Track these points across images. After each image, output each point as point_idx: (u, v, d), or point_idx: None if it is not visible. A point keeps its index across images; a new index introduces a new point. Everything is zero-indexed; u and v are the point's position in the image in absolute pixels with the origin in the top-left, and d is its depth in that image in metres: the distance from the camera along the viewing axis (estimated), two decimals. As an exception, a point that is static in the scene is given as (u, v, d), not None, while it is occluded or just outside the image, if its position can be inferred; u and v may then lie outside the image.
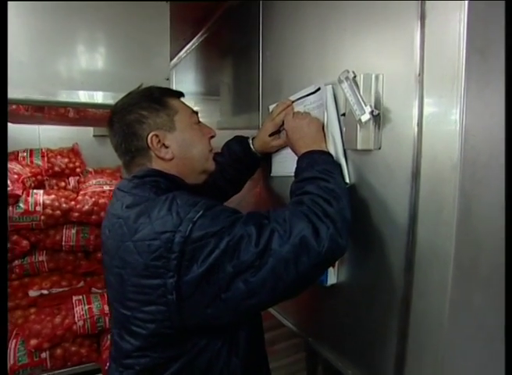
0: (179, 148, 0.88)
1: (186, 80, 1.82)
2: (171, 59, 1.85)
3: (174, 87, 2.07)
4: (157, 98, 0.90)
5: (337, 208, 0.73)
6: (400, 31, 0.72)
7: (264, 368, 0.93)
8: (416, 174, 0.69)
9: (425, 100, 0.67)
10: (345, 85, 0.76)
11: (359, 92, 0.75)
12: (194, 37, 1.53)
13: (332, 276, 0.87)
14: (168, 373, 0.75)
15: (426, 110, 0.68)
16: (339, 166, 0.84)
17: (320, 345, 0.98)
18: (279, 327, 1.17)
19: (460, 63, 0.61)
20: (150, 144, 0.85)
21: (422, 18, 0.67)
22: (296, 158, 0.88)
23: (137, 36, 1.15)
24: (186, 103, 0.95)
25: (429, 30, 0.66)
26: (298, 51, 1.01)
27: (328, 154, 0.86)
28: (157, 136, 0.85)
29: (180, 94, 0.97)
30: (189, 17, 1.45)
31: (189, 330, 0.73)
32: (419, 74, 0.68)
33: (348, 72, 0.76)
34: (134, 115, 0.87)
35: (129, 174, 0.89)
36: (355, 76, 0.76)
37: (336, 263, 0.87)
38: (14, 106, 1.78)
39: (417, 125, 0.69)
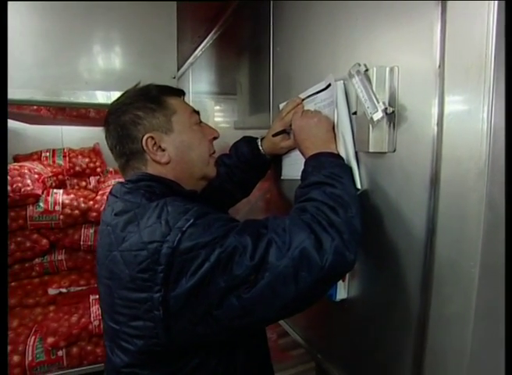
0: (176, 151, 0.82)
1: (202, 79, 1.78)
2: (187, 58, 1.81)
3: (191, 87, 2.04)
4: (154, 97, 0.84)
5: (344, 218, 0.65)
6: (417, 18, 0.62)
7: None
8: (435, 180, 0.61)
9: (446, 95, 0.58)
10: (356, 80, 0.68)
11: (371, 87, 0.66)
12: (208, 34, 1.48)
13: (342, 291, 0.79)
14: None
15: (447, 107, 0.58)
16: (350, 169, 0.76)
17: (329, 363, 0.90)
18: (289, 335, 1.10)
19: (489, 52, 0.52)
20: (145, 147, 0.80)
21: (443, 5, 0.58)
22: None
23: (146, 36, 1.12)
24: (191, 103, 0.90)
25: (451, 15, 0.57)
26: (309, 48, 0.93)
27: (338, 156, 0.77)
28: (152, 138, 0.80)
29: (180, 93, 0.91)
30: (201, 15, 1.40)
31: (179, 348, 0.67)
32: (439, 66, 0.59)
33: (359, 65, 0.68)
34: (129, 115, 0.81)
35: (124, 178, 0.85)
36: (367, 70, 0.67)
37: (347, 277, 0.79)
38: (35, 107, 1.81)
39: (437, 124, 0.60)
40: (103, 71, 1.24)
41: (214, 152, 0.90)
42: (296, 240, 0.61)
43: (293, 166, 1.00)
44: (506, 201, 0.54)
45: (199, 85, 1.87)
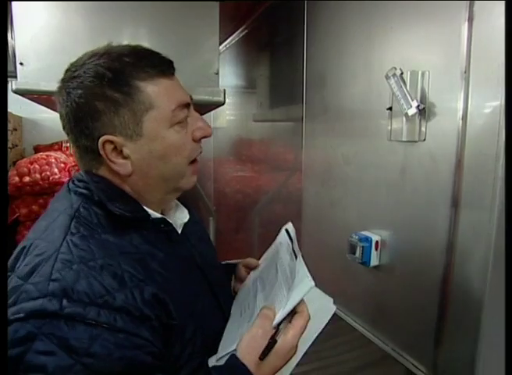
0: (141, 163, 0.63)
1: (223, 74, 1.90)
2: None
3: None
4: (121, 81, 0.60)
5: None
6: (446, 29, 0.77)
7: None
8: (459, 165, 0.75)
9: (470, 96, 0.73)
10: (392, 81, 0.82)
11: (406, 88, 0.80)
12: (234, 32, 1.60)
13: (375, 259, 0.94)
14: None
15: (470, 105, 0.73)
16: None
17: (359, 321, 1.05)
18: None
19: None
20: (101, 151, 0.61)
21: (470, 16, 0.72)
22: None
23: (188, 30, 1.23)
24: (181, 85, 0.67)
25: (477, 29, 0.71)
26: (343, 48, 1.07)
27: None
28: (111, 143, 0.61)
29: (170, 69, 0.65)
30: (230, 14, 1.52)
31: None
32: (465, 72, 0.73)
33: (395, 69, 0.82)
34: (83, 101, 0.59)
35: (80, 167, 0.68)
36: (402, 73, 0.81)
37: (379, 246, 0.94)
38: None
39: (462, 119, 0.74)
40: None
41: (196, 158, 0.69)
42: None
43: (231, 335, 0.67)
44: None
45: (220, 79, 1.98)
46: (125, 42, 1.35)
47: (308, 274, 0.61)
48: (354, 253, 0.96)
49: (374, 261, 0.94)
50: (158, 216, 0.67)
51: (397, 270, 0.92)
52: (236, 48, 1.75)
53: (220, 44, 1.84)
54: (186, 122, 0.66)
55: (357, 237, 0.95)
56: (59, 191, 0.68)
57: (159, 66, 0.63)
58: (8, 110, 2.75)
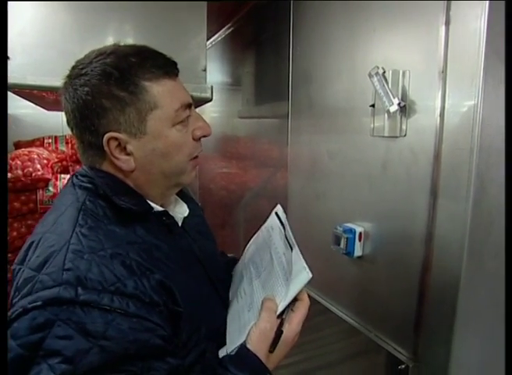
0: (144, 160, 0.65)
1: (209, 71, 1.92)
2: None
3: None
4: (127, 81, 0.61)
5: None
6: (425, 31, 0.81)
7: None
8: (437, 157, 0.80)
9: (447, 94, 0.78)
10: (375, 79, 0.87)
11: (388, 86, 0.85)
12: (220, 29, 1.62)
13: (359, 249, 0.99)
14: None
15: (447, 103, 0.78)
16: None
17: (343, 311, 1.10)
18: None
19: (480, 63, 0.71)
20: (105, 147, 0.63)
21: (447, 19, 0.77)
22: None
23: (175, 28, 1.25)
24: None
25: (453, 31, 0.76)
26: (328, 47, 1.11)
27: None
28: (116, 139, 0.63)
29: (174, 70, 0.67)
30: (216, 11, 1.54)
31: None
32: (442, 71, 0.78)
33: (378, 68, 0.86)
34: (89, 97, 0.61)
35: (82, 163, 0.71)
36: (384, 72, 0.86)
37: (362, 237, 0.98)
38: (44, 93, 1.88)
39: (440, 116, 0.79)
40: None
41: (197, 156, 0.72)
42: None
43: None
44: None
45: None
46: (110, 38, 1.36)
47: (305, 265, 0.64)
48: (339, 244, 1.00)
49: (357, 251, 0.99)
50: (160, 209, 0.70)
51: (379, 260, 0.97)
52: (222, 45, 1.78)
53: (206, 41, 1.86)
54: (188, 121, 0.68)
55: (341, 229, 1.00)
56: (64, 187, 0.71)
57: (164, 67, 0.65)
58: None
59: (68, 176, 2.27)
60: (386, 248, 0.95)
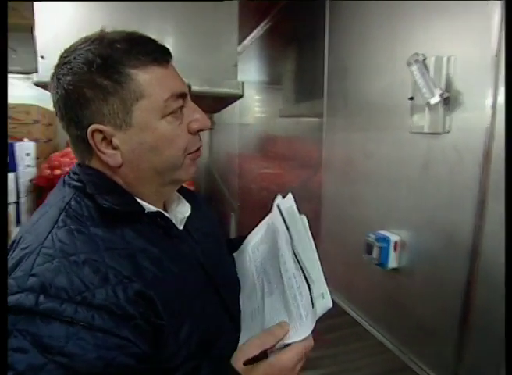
0: (131, 155, 0.60)
1: (250, 69, 1.88)
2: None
3: (238, 77, 2.13)
4: (110, 67, 0.57)
5: None
6: (475, 10, 0.70)
7: None
8: (487, 157, 0.68)
9: (500, 83, 0.66)
10: (414, 68, 0.76)
11: (428, 75, 0.74)
12: (259, 25, 1.57)
13: (394, 260, 0.88)
14: None
15: (501, 93, 0.66)
16: None
17: (374, 325, 0.99)
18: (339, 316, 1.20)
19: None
20: (90, 140, 0.58)
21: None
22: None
23: (206, 23, 1.22)
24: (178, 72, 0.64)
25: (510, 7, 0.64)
26: (366, 38, 1.01)
27: None
28: (101, 132, 0.58)
29: (165, 56, 0.62)
30: (253, 6, 1.49)
31: None
32: (496, 55, 0.66)
33: (418, 55, 0.76)
34: (71, 88, 0.57)
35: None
36: (425, 59, 0.75)
37: (398, 247, 0.87)
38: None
39: (492, 108, 0.67)
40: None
41: (198, 149, 0.66)
42: None
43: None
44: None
45: (246, 75, 1.96)
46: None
47: (325, 290, 0.56)
48: (371, 253, 0.90)
49: (392, 263, 0.88)
50: (154, 209, 0.64)
51: (417, 274, 0.85)
52: (260, 42, 1.72)
53: (244, 38, 1.82)
54: (182, 113, 0.62)
55: (374, 237, 0.89)
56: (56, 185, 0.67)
57: (153, 53, 0.59)
58: (43, 105, 2.86)
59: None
60: (425, 261, 0.83)
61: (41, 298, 0.48)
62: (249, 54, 1.84)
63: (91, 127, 0.58)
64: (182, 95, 0.62)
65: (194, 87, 1.17)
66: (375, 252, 0.89)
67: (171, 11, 1.28)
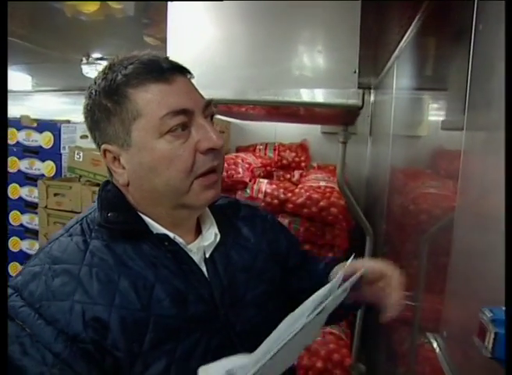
0: (134, 174, 0.61)
1: (405, 74, 1.62)
2: (392, 52, 1.68)
3: (394, 83, 1.87)
4: (112, 89, 0.59)
5: None
6: None
7: None
8: None
9: None
10: None
11: None
12: (412, 22, 1.31)
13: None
14: None
15: None
16: None
17: None
18: None
19: None
20: (103, 159, 0.64)
21: None
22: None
23: (328, 27, 1.10)
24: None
25: None
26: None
27: None
28: (110, 152, 0.62)
29: (163, 74, 0.59)
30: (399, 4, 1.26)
31: None
32: None
33: None
34: (87, 111, 0.63)
35: None
36: None
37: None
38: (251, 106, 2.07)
39: None
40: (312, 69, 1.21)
41: (211, 172, 0.61)
42: None
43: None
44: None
45: (403, 81, 1.71)
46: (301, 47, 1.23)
47: None
48: (484, 340, 0.61)
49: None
50: (162, 231, 0.60)
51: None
52: (415, 40, 1.44)
53: (401, 39, 1.57)
54: (188, 130, 0.60)
55: (490, 316, 0.60)
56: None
57: (154, 71, 0.59)
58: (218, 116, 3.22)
59: (266, 181, 2.44)
60: None
61: (14, 296, 0.52)
62: (405, 56, 1.57)
63: (102, 147, 0.63)
64: (183, 112, 0.58)
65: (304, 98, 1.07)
66: (488, 339, 0.59)
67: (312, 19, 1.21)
